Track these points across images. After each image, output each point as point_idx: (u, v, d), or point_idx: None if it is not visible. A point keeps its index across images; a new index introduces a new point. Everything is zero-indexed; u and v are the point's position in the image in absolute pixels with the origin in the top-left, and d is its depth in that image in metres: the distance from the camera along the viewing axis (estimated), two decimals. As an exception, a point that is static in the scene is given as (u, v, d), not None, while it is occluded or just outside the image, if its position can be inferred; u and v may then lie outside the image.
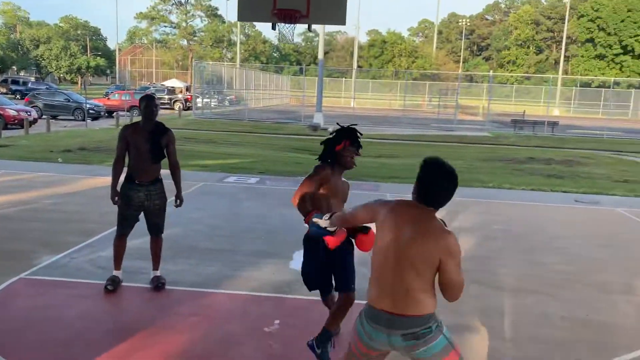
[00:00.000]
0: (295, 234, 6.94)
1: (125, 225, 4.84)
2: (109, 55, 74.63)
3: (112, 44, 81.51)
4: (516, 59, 73.27)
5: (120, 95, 30.44)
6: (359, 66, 60.73)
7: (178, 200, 5.08)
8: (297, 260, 5.82)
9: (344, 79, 53.31)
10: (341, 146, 3.61)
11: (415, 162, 11.69)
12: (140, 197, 4.77)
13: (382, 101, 49.53)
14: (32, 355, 3.65)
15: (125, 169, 4.84)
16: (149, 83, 56.51)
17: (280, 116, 31.48)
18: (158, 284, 4.89)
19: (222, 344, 3.92)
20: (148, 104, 4.77)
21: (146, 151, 4.71)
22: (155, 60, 71.11)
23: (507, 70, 72.18)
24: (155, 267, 4.97)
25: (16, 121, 19.92)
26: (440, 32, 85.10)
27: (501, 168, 14.68)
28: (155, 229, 4.93)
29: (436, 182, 2.47)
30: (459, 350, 2.50)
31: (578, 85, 47.39)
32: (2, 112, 20.01)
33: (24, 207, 7.63)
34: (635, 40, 48.13)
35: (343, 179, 3.71)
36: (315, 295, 4.91)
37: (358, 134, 3.67)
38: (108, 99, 30.68)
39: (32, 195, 8.36)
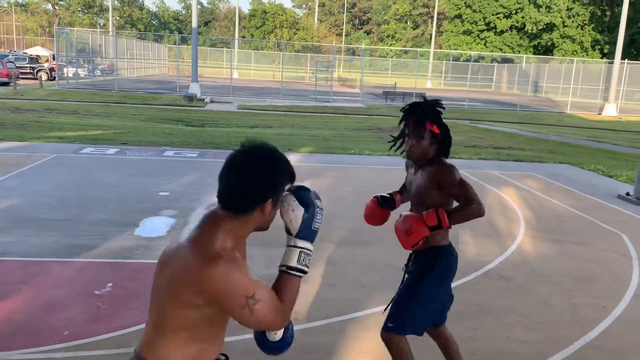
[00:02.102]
0: (145, 202, 6.94)
1: None
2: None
3: (-37, 6, 72.78)
4: (395, 33, 76.23)
5: (-29, 63, 27.47)
6: (241, 36, 59.81)
7: None
8: (143, 227, 5.85)
9: (225, 49, 52.26)
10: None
11: (289, 132, 12.21)
12: None
13: (266, 72, 49.36)
14: None
15: None
16: (8, 50, 51.42)
17: (155, 86, 30.29)
18: (-16, 256, 4.68)
19: (45, 309, 3.89)
20: None
21: None
22: (17, 26, 64.76)
23: (387, 44, 74.98)
24: None
25: None
26: (322, 5, 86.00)
27: (367, 137, 15.42)
28: None
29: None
30: None
31: (451, 59, 50.42)
32: None
33: None
34: (497, 18, 51.99)
35: None
36: (154, 257, 5.00)
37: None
38: (-44, 66, 27.58)
39: None
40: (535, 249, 5.94)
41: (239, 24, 61.20)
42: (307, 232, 1.67)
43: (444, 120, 2.70)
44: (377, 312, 4.16)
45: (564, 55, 47.63)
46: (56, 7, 70.99)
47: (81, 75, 32.07)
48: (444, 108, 2.70)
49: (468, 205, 2.61)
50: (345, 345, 3.64)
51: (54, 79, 30.56)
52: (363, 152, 12.15)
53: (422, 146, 2.65)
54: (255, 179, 1.60)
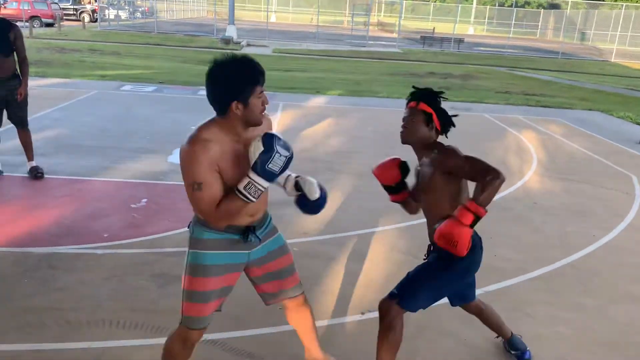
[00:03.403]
0: (178, 134, 7.47)
1: None
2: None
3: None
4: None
5: (18, 4, 28.31)
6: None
7: (21, 94, 5.13)
8: (175, 155, 6.40)
9: (264, -8, 51.74)
10: None
11: (321, 75, 12.56)
12: (1, 93, 5.03)
13: (304, 16, 48.88)
14: None
15: None
16: (52, -8, 52.19)
17: (193, 29, 30.62)
18: (36, 174, 5.31)
19: (89, 217, 4.50)
20: None
21: None
22: (60, -34, 65.27)
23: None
24: (30, 158, 5.37)
25: None
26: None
27: (398, 81, 15.53)
28: (20, 121, 5.25)
29: None
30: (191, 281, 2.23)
31: (497, 4, 48.69)
32: None
33: None
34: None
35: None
36: (181, 180, 5.56)
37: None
38: (5, 7, 28.48)
39: None
40: (541, 186, 6.23)
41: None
42: (261, 168, 1.97)
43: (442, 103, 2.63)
44: (378, 231, 4.63)
45: (615, 1, 45.31)
46: (97, -52, 71.02)
47: (122, 17, 32.63)
48: (445, 98, 2.63)
49: (484, 179, 2.27)
50: (345, 254, 4.12)
51: (96, 20, 31.24)
52: (392, 95, 12.36)
53: (411, 127, 2.52)
54: (215, 88, 2.01)
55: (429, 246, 2.67)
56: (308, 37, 29.90)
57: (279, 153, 1.99)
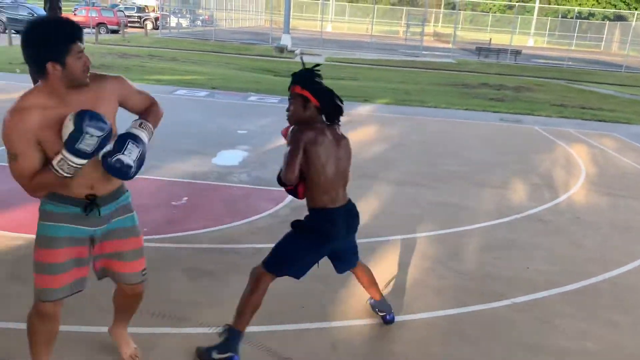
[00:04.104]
0: (224, 137, 7.72)
1: None
2: (79, -30, 71.35)
3: (82, -42, 77.68)
4: (500, -14, 72.00)
5: (87, 11, 29.87)
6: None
7: None
8: (219, 157, 6.61)
9: (320, 1, 52.31)
10: None
11: (372, 84, 12.68)
12: None
13: (360, 26, 49.06)
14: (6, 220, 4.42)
15: None
16: (119, 0, 54.73)
17: (249, 37, 31.35)
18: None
19: (132, 212, 4.73)
20: (51, 6, 5.30)
21: None
22: (128, -24, 68.30)
23: (491, -3, 71.13)
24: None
25: (-23, 34, 19.80)
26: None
27: (449, 92, 15.38)
28: None
29: None
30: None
31: (560, 15, 47.34)
32: (-38, 24, 19.82)
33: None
34: (614, -30, 47.88)
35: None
36: (224, 181, 5.76)
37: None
38: (74, 14, 30.10)
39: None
40: (586, 200, 6.05)
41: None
42: (71, 146, 1.94)
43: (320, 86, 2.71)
44: (409, 237, 4.63)
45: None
46: (164, -41, 73.85)
47: (183, 25, 33.81)
48: (319, 76, 2.72)
49: (281, 172, 2.63)
50: (374, 259, 4.15)
51: (158, 28, 32.51)
52: (440, 105, 12.27)
53: (292, 111, 2.69)
54: (29, 49, 1.97)
55: None
56: (362, 47, 30.03)
57: (88, 134, 1.94)
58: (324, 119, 2.73)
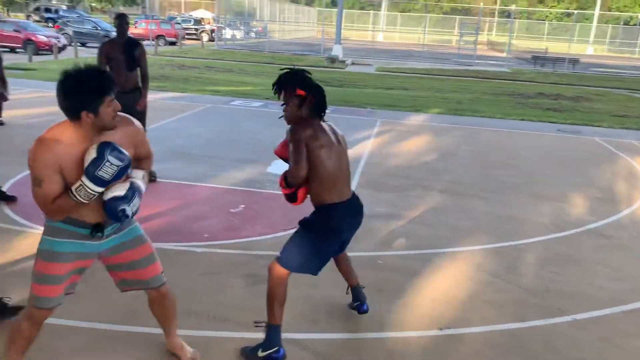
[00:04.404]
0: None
1: None
2: (139, -15, 74.34)
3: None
4: (557, -7, 70.06)
5: (147, 24, 31.06)
6: (389, -1, 59.38)
7: (141, 105, 5.70)
8: (274, 166, 6.74)
9: (372, 12, 52.45)
10: None
11: (424, 94, 12.63)
12: (124, 104, 5.62)
13: (411, 35, 48.83)
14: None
15: None
16: (176, 13, 56.64)
17: (301, 48, 31.76)
18: (151, 177, 5.86)
19: (192, 218, 4.91)
20: (120, 22, 5.57)
21: (122, 61, 5.52)
22: (185, -11, 70.63)
23: (547, 5, 69.39)
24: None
25: (46, 47, 20.95)
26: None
27: (503, 101, 15.08)
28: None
29: None
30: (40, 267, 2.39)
31: (622, 22, 45.65)
32: (33, 38, 21.03)
33: (47, 118, 8.66)
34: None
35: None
36: (277, 189, 5.88)
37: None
38: (135, 27, 31.36)
39: (54, 110, 9.37)
40: (651, 215, 5.82)
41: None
42: (91, 174, 2.13)
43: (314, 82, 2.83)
44: (464, 250, 4.59)
45: None
46: (219, -27, 75.94)
47: (237, 37, 34.60)
48: (309, 73, 2.85)
49: (289, 168, 2.73)
50: (429, 270, 4.14)
51: (214, 39, 33.41)
52: (494, 115, 12.06)
53: (290, 112, 2.79)
54: (66, 99, 2.15)
55: None
56: (413, 56, 29.88)
57: (109, 162, 2.12)
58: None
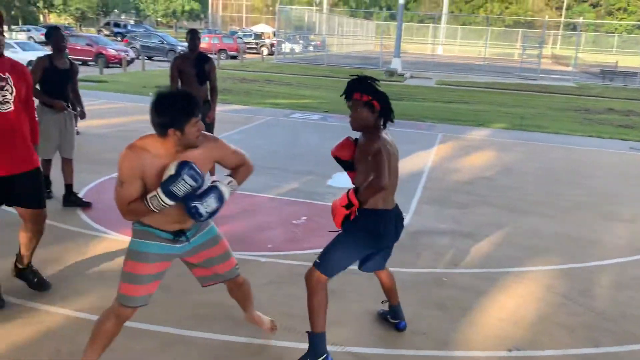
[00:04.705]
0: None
1: None
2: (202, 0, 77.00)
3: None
4: (628, 5, 67.28)
5: (209, 38, 32.05)
6: (449, 12, 58.74)
7: (210, 117, 5.90)
8: (335, 179, 6.77)
9: (431, 25, 52.01)
10: None
11: (485, 108, 12.46)
12: None
13: (472, 49, 48.04)
14: (125, 226, 4.90)
15: None
16: (237, 28, 58.16)
17: (360, 62, 31.87)
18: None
19: (256, 228, 4.99)
20: (192, 37, 5.77)
21: (193, 75, 5.71)
22: (246, 5, 72.60)
23: (616, 17, 66.73)
24: (212, 173, 6.09)
25: (116, 60, 22.01)
26: (542, -24, 79.43)
27: (570, 117, 14.57)
28: None
29: None
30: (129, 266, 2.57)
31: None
32: (104, 52, 22.15)
33: (118, 128, 9.09)
34: None
35: None
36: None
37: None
38: (199, 42, 32.38)
39: (125, 120, 9.85)
40: None
41: (448, -1, 60.12)
42: (166, 187, 2.31)
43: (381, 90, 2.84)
44: (534, 270, 4.44)
45: None
46: (280, -12, 77.67)
47: (296, 51, 35.12)
48: (376, 80, 2.86)
49: (372, 179, 2.70)
50: (496, 290, 4.03)
51: (273, 53, 34.07)
52: (560, 131, 11.67)
53: (355, 117, 2.83)
54: (157, 117, 2.35)
55: None
56: (474, 70, 29.38)
57: (184, 180, 2.30)
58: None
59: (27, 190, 3.41)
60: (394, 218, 2.93)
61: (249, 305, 3.11)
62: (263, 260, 4.30)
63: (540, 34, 36.86)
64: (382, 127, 2.86)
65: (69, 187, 5.37)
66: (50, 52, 5.20)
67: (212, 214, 2.47)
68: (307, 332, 2.92)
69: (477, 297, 3.90)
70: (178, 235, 2.56)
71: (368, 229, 2.86)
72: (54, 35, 5.14)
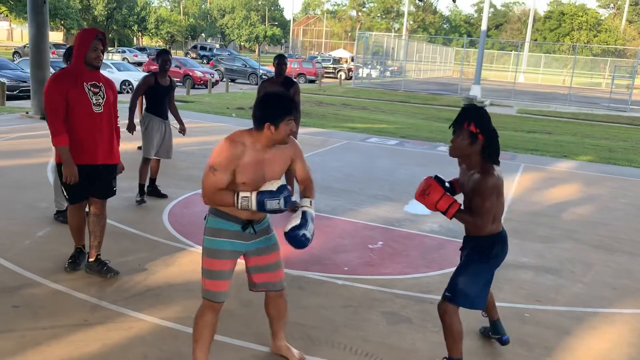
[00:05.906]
0: (415, 185, 7.81)
1: None
2: (284, 25, 79.57)
3: (288, 15, 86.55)
4: None
5: (290, 62, 32.95)
6: (532, 39, 57.17)
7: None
8: (411, 205, 6.72)
9: (513, 52, 50.78)
10: None
11: (569, 139, 11.97)
12: None
13: (555, 77, 46.39)
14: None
15: None
16: (317, 52, 59.42)
17: (437, 88, 31.58)
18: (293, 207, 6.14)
19: (332, 250, 5.03)
20: (279, 62, 6.06)
21: None
22: (326, 30, 74.22)
23: None
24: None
25: (202, 82, 23.09)
26: (635, 4, 75.84)
27: (665, 151, 13.67)
28: None
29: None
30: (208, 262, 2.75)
31: None
32: (191, 74, 23.30)
33: (204, 146, 9.50)
34: None
35: None
36: (417, 229, 5.83)
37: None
38: (279, 65, 33.38)
39: (208, 139, 10.27)
40: None
41: (532, 26, 58.61)
42: (260, 199, 2.50)
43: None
44: (625, 313, 4.18)
45: None
46: (359, 14, 78.95)
47: (373, 76, 35.35)
48: (488, 115, 2.85)
49: (472, 215, 2.84)
50: (581, 329, 3.82)
51: (350, 78, 34.48)
52: (653, 166, 10.97)
53: (457, 143, 2.83)
54: (259, 110, 2.59)
55: (463, 241, 3.13)
56: (558, 99, 28.30)
57: (279, 200, 2.48)
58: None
59: (105, 181, 4.02)
60: (506, 237, 3.05)
61: (280, 328, 3.11)
62: (339, 283, 4.31)
63: (632, 63, 35.02)
64: (490, 161, 2.85)
65: (152, 180, 6.23)
66: (156, 71, 6.03)
67: (313, 235, 2.67)
68: (445, 358, 3.03)
69: (561, 335, 3.72)
70: (247, 225, 2.70)
71: (492, 252, 2.97)
72: (162, 57, 5.97)
